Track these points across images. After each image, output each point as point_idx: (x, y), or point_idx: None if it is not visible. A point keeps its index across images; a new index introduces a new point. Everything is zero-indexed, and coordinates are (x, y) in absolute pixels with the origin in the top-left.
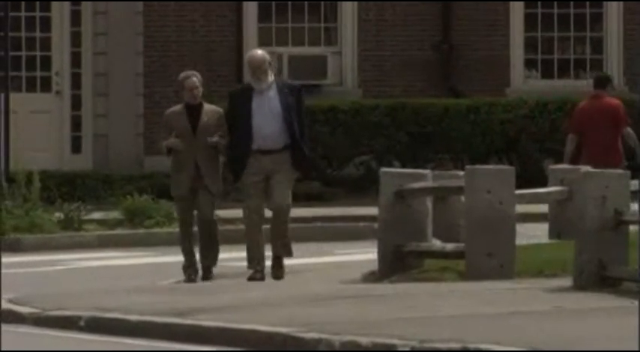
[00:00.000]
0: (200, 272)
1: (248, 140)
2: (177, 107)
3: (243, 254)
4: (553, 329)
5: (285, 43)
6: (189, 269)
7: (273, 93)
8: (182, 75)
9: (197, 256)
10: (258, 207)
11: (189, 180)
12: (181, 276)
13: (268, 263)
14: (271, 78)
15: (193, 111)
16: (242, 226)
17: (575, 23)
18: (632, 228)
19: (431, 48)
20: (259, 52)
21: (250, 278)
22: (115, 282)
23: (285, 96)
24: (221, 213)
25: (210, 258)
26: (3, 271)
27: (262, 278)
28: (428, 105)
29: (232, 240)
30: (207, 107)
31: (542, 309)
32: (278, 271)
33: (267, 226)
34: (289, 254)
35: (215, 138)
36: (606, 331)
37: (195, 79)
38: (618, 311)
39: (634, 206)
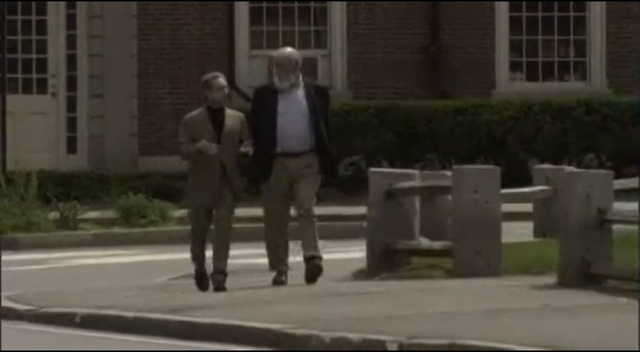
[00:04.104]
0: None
1: (273, 142)
2: (197, 111)
3: (239, 252)
4: (539, 325)
5: (275, 46)
6: (204, 277)
7: (300, 93)
8: (208, 75)
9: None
10: (282, 210)
11: (215, 187)
12: (175, 274)
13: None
14: (300, 77)
15: (217, 116)
16: (238, 225)
17: (559, 26)
18: (624, 227)
19: (419, 50)
20: (289, 49)
21: (276, 282)
22: (111, 280)
23: (313, 97)
24: None
25: (224, 262)
26: (1, 269)
27: (286, 282)
28: (416, 106)
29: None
30: (229, 111)
31: (530, 306)
32: (314, 274)
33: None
34: (316, 252)
35: (246, 149)
36: (593, 328)
37: (222, 79)
38: (604, 308)
39: (634, 204)
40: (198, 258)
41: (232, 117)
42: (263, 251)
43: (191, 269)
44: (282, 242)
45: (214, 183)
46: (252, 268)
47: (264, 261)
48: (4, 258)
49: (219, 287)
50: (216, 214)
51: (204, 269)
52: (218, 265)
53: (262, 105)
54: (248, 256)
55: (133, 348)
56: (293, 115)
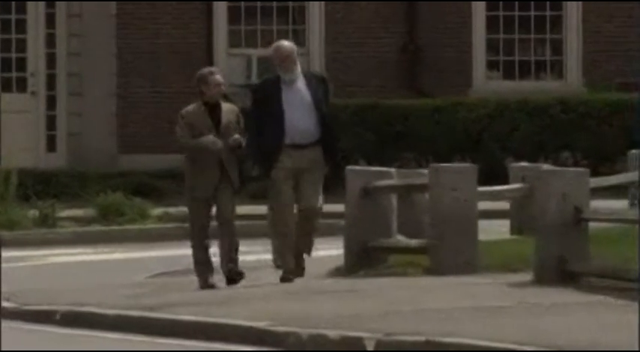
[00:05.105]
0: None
1: (280, 134)
2: (193, 106)
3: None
4: (521, 323)
5: (254, 45)
6: (206, 273)
7: (301, 84)
8: (205, 70)
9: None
10: (289, 204)
11: (215, 181)
12: (154, 271)
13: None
14: (299, 68)
15: (214, 110)
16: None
17: (536, 25)
18: (601, 224)
19: (398, 49)
20: (286, 42)
21: (284, 280)
22: (91, 278)
23: (314, 87)
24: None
25: (235, 260)
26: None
27: (293, 279)
28: (395, 105)
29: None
30: (225, 105)
31: (506, 304)
32: (300, 267)
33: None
34: (309, 252)
35: (236, 136)
36: (580, 326)
37: (219, 75)
38: (590, 305)
39: (610, 202)
40: (201, 263)
41: (228, 111)
42: (252, 248)
43: (169, 267)
44: (289, 236)
45: (214, 176)
46: (245, 266)
47: (253, 258)
48: None
49: (233, 280)
50: (217, 209)
51: (207, 276)
52: (231, 266)
53: (266, 99)
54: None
55: (113, 346)
56: (298, 107)
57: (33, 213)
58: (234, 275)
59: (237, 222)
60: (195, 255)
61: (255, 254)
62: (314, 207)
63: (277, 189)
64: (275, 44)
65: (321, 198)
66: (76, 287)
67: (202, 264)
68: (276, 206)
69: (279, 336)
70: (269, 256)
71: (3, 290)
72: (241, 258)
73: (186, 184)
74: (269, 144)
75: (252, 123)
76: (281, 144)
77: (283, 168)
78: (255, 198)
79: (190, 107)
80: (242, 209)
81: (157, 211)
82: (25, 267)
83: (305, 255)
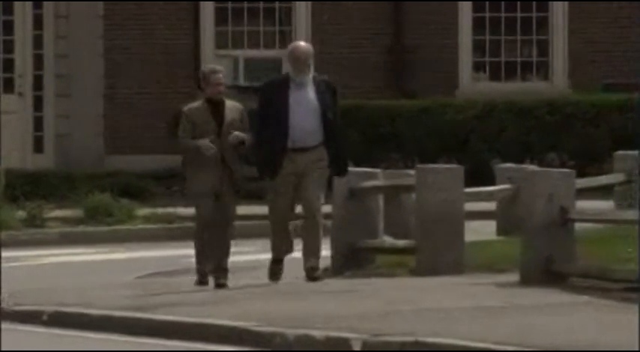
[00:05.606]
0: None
1: (284, 137)
2: (197, 103)
3: None
4: (514, 323)
5: (241, 46)
6: (205, 275)
7: (310, 88)
8: (207, 68)
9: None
10: (287, 206)
11: (217, 179)
12: (142, 272)
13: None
14: (311, 72)
15: (217, 108)
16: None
17: (522, 26)
18: (587, 225)
19: (384, 50)
20: (303, 43)
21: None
22: (78, 278)
23: (322, 92)
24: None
25: (224, 269)
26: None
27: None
28: (381, 106)
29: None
30: (229, 103)
31: (493, 304)
32: (314, 275)
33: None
34: (317, 253)
35: (236, 132)
36: (569, 325)
37: (221, 75)
38: (576, 305)
39: (596, 203)
40: (205, 254)
41: (232, 109)
42: (248, 248)
43: (157, 267)
44: (285, 238)
45: (217, 175)
46: (240, 266)
47: (249, 258)
48: None
49: (220, 284)
50: (219, 209)
51: (205, 269)
52: (219, 263)
53: (273, 99)
54: (234, 253)
55: (98, 346)
56: (304, 110)
57: (21, 213)
58: (220, 282)
59: (242, 223)
60: (196, 247)
61: (252, 254)
62: (314, 206)
63: (277, 191)
64: (292, 44)
65: (322, 196)
66: (64, 288)
67: (203, 256)
68: (276, 207)
69: (265, 336)
70: (265, 256)
71: None
72: (239, 257)
73: (187, 184)
74: (272, 147)
75: (256, 123)
76: (284, 148)
77: (286, 172)
78: (251, 198)
79: (194, 104)
80: (238, 209)
81: (145, 212)
82: (16, 268)
83: (316, 269)
